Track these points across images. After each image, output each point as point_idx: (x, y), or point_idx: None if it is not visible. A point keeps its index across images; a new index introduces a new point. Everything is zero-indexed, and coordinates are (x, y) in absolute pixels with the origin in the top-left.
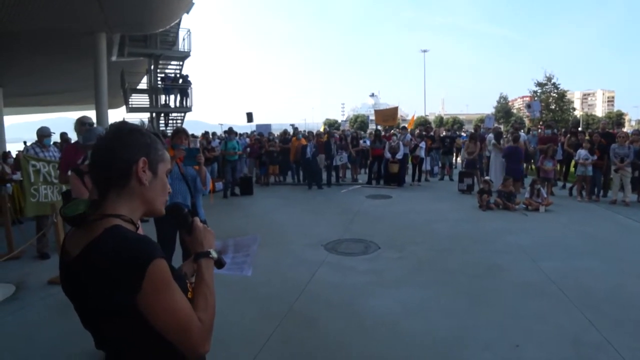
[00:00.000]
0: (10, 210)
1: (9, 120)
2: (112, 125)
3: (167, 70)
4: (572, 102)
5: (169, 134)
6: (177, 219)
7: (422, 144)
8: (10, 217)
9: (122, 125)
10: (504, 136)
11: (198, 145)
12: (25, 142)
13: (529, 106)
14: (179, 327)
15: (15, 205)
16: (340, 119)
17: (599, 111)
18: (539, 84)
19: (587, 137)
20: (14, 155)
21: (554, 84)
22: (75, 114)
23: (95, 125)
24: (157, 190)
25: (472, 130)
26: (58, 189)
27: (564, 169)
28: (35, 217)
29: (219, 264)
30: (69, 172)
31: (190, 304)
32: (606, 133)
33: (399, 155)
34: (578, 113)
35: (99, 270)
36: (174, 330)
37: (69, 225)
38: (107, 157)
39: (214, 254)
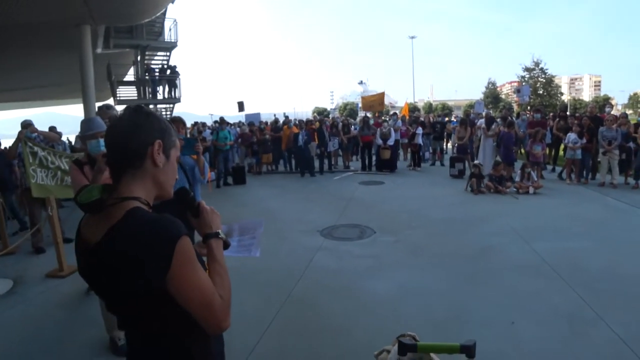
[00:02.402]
0: (1, 205)
1: None
2: (128, 107)
3: (153, 61)
4: (560, 86)
5: None
6: (184, 203)
7: (419, 130)
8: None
9: (139, 108)
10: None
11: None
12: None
13: (518, 90)
14: (204, 302)
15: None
16: (329, 107)
17: (586, 96)
18: (527, 69)
19: (576, 121)
20: (4, 146)
21: (541, 69)
22: (63, 109)
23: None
24: (169, 174)
25: (462, 116)
26: (53, 173)
27: (553, 152)
28: (29, 212)
29: (225, 244)
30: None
31: (211, 281)
32: (594, 116)
33: (391, 142)
34: (566, 98)
35: (126, 253)
36: (198, 306)
37: (85, 213)
38: (124, 138)
39: (223, 234)
